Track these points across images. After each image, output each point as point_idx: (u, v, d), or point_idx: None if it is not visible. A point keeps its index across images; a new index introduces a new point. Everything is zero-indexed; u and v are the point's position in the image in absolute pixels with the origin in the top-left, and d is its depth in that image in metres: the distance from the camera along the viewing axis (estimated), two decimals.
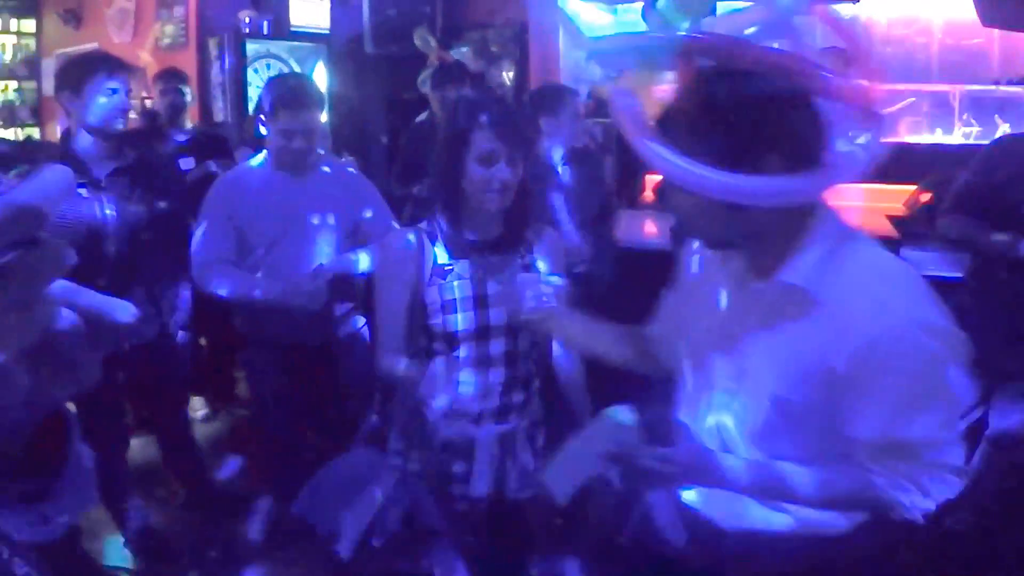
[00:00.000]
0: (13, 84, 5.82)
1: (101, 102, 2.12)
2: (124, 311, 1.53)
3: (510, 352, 1.52)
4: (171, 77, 3.52)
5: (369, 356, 2.27)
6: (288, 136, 2.11)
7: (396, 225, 2.32)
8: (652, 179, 4.14)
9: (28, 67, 5.85)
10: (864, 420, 1.00)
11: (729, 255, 1.12)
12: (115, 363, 2.23)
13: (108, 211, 2.15)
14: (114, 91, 2.13)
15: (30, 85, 5.86)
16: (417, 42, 3.88)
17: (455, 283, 1.48)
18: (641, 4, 4.45)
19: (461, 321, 1.47)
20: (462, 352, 1.49)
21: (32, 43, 5.85)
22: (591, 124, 3.65)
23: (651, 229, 3.67)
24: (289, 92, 2.13)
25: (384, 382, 1.59)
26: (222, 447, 3.16)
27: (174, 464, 2.63)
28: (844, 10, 4.54)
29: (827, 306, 0.99)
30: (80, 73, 2.14)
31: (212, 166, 3.15)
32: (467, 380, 1.51)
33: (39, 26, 5.81)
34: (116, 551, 2.42)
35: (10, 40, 5.81)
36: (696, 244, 1.23)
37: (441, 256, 1.49)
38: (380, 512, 1.47)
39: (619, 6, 5.25)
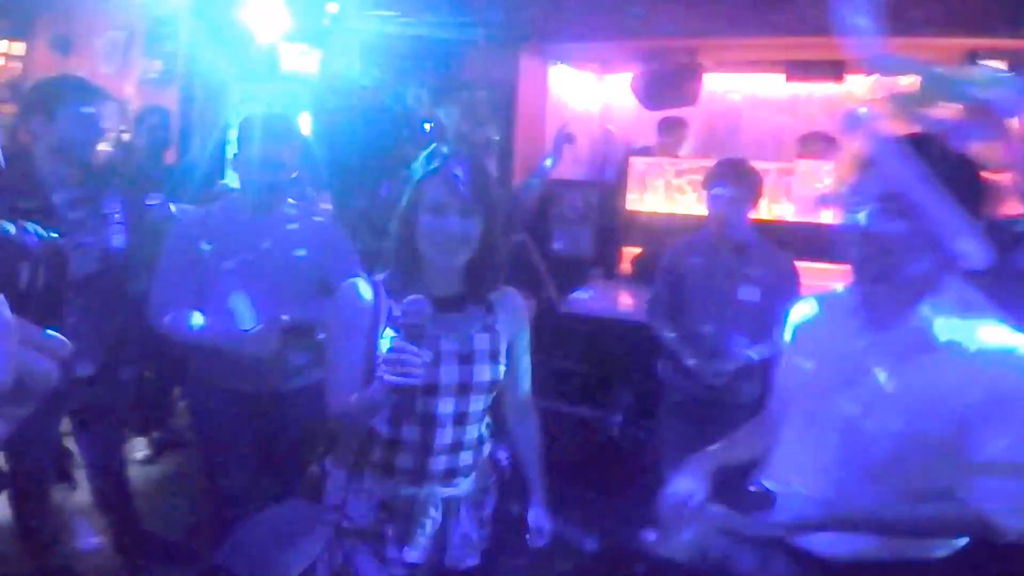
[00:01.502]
0: None
1: (73, 127, 2.06)
2: (57, 348, 1.43)
3: (460, 413, 1.48)
4: (153, 113, 3.50)
5: (322, 410, 2.23)
6: (254, 167, 2.08)
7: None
8: (629, 252, 4.13)
9: (11, 91, 5.79)
10: (991, 446, 1.16)
11: (868, 300, 1.29)
12: (54, 397, 2.13)
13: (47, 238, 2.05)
14: (88, 117, 2.07)
15: (12, 109, 5.79)
16: (409, 99, 3.89)
17: (407, 337, 1.42)
18: (630, 75, 4.52)
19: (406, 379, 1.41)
20: (409, 408, 1.41)
21: (19, 66, 5.81)
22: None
23: (626, 301, 3.65)
24: (257, 123, 2.11)
25: (329, 432, 1.55)
26: (161, 490, 3.08)
27: (105, 505, 2.50)
28: (826, 89, 4.65)
29: (958, 346, 1.19)
30: (54, 96, 2.10)
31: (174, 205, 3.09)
32: (412, 438, 1.46)
33: (28, 50, 5.78)
34: None
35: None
36: (802, 310, 1.46)
37: (396, 309, 1.45)
38: (309, 568, 1.41)
39: (607, 76, 5.36)
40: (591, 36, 4.29)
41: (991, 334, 1.20)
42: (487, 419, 1.57)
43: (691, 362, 2.59)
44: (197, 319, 2.08)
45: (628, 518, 2.78)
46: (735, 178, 2.56)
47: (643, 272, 3.72)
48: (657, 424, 2.81)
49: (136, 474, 3.05)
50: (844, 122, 1.33)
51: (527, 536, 1.64)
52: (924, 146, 1.21)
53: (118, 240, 2.20)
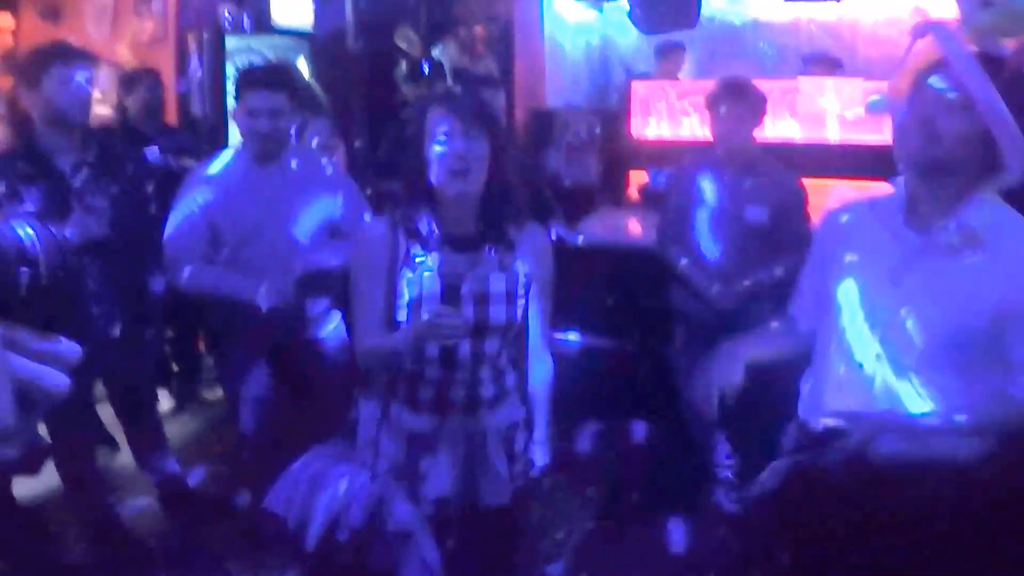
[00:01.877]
0: None
1: (60, 93, 2.06)
2: (66, 356, 1.49)
3: (477, 353, 1.49)
4: (142, 76, 3.47)
5: (344, 355, 2.28)
6: (253, 116, 2.09)
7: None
8: (636, 177, 4.13)
9: (4, 63, 5.73)
10: None
11: (915, 197, 1.33)
12: (83, 364, 2.20)
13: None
14: (74, 81, 2.08)
15: (7, 82, 5.74)
16: (399, 41, 3.84)
17: (424, 276, 1.44)
18: (626, 5, 4.44)
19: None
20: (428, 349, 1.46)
21: (10, 39, 5.73)
22: None
23: (635, 228, 3.67)
24: (255, 72, 2.13)
25: (357, 371, 1.57)
26: (191, 443, 3.14)
27: (146, 463, 2.60)
28: (826, 10, 4.55)
29: (999, 246, 1.26)
30: (38, 63, 2.10)
31: (179, 161, 3.12)
32: (433, 375, 1.49)
33: (17, 21, 5.69)
34: None
35: None
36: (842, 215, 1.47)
37: (414, 248, 1.47)
38: (344, 506, 1.44)
39: (605, 4, 5.23)
40: None
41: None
42: (511, 353, 1.56)
43: (701, 286, 2.61)
44: (212, 273, 2.11)
45: (650, 447, 2.88)
46: (738, 96, 2.54)
47: (651, 198, 3.73)
48: (674, 350, 2.84)
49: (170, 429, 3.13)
50: (916, 29, 1.42)
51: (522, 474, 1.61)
52: (992, 62, 1.32)
53: (125, 200, 2.22)
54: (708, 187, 2.65)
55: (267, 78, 2.13)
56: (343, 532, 1.43)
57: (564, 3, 4.96)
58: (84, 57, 2.17)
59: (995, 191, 1.31)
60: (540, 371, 1.63)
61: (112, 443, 2.94)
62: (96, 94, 2.39)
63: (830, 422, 1.32)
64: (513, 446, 1.57)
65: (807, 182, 2.70)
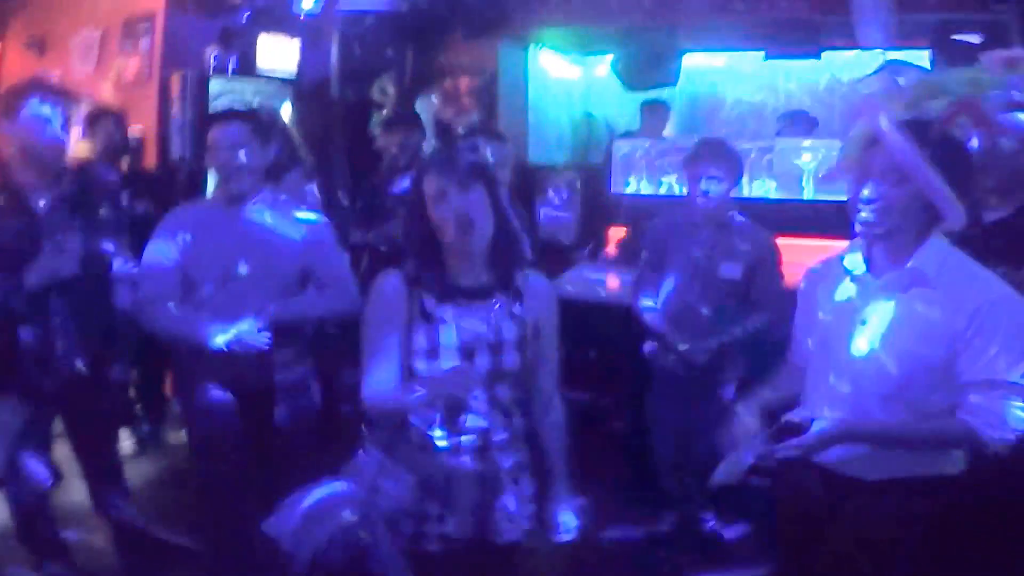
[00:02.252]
0: None
1: (35, 130, 2.05)
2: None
3: (491, 398, 1.53)
4: (103, 117, 3.44)
5: (309, 404, 2.27)
6: (211, 151, 2.09)
7: (347, 268, 2.31)
8: (615, 233, 4.15)
9: None
10: (974, 368, 1.42)
11: (870, 253, 1.56)
12: (45, 400, 2.17)
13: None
14: (49, 119, 2.06)
15: None
16: (375, 94, 3.89)
17: (440, 328, 1.50)
18: (610, 58, 4.54)
19: (444, 367, 1.49)
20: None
21: None
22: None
23: (613, 284, 3.66)
24: (217, 111, 2.14)
25: (363, 415, 1.59)
26: (151, 486, 3.07)
27: (103, 503, 2.49)
28: (807, 66, 4.66)
29: (946, 283, 1.46)
30: (13, 98, 2.08)
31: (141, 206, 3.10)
32: (441, 421, 1.52)
33: (3, 51, 5.70)
34: None
35: None
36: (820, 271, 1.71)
37: (427, 300, 1.51)
38: (328, 547, 1.45)
39: (589, 60, 5.36)
40: (570, 20, 4.28)
41: (971, 271, 1.49)
42: (519, 398, 1.60)
43: (674, 341, 2.61)
44: (180, 316, 2.09)
45: (630, 501, 2.86)
46: (716, 158, 2.58)
47: (628, 254, 3.73)
48: (646, 403, 2.83)
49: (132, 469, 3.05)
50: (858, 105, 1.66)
51: (553, 531, 1.63)
52: (921, 129, 1.49)
53: (96, 240, 2.19)
54: (683, 243, 2.66)
55: (225, 113, 2.18)
56: (326, 567, 1.45)
57: (548, 59, 5.06)
58: (61, 94, 2.15)
59: (941, 235, 1.51)
60: (553, 418, 1.67)
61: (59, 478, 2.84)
62: (73, 133, 2.37)
63: (795, 418, 1.51)
64: (523, 488, 1.61)
65: (783, 240, 2.72)
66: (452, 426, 1.52)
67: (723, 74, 5.25)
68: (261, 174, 2.20)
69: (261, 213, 2.18)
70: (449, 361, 1.49)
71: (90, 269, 2.14)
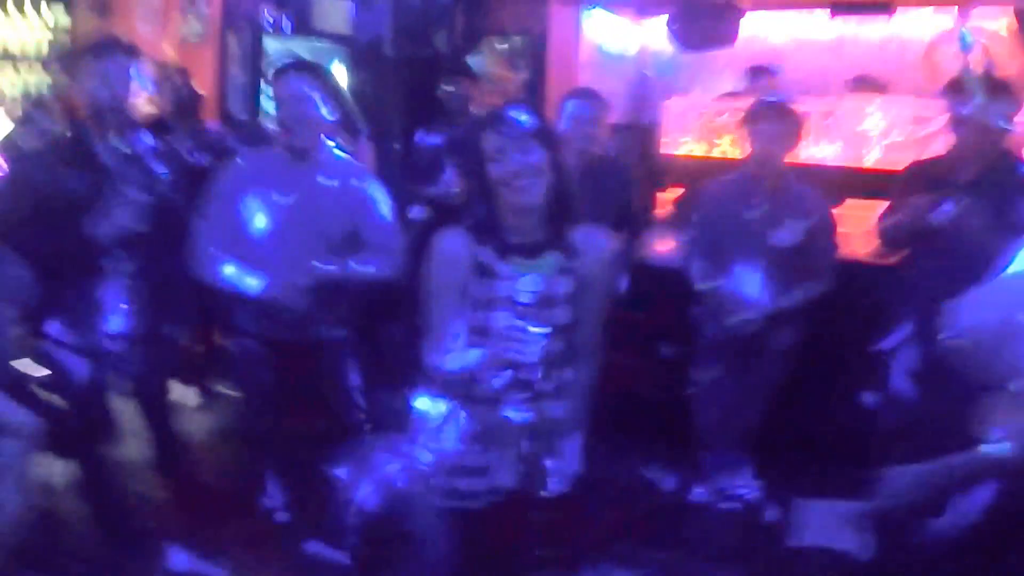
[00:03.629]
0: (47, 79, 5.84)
1: (103, 85, 2.11)
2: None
3: (542, 352, 1.55)
4: (169, 75, 3.51)
5: (344, 367, 2.30)
6: (281, 104, 2.11)
7: (398, 233, 2.31)
8: (664, 196, 4.08)
9: (59, 59, 5.87)
10: None
11: None
12: (102, 363, 2.25)
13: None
14: (116, 74, 2.12)
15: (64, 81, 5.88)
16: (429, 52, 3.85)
17: (496, 283, 1.53)
18: (665, 17, 4.41)
19: (498, 320, 1.53)
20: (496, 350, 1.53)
21: (67, 38, 5.87)
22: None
23: (664, 246, 3.62)
24: (283, 64, 2.18)
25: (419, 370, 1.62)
26: (218, 435, 3.15)
27: (160, 459, 2.62)
28: (876, 27, 4.43)
29: None
30: (83, 56, 2.16)
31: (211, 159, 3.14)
32: (495, 375, 1.54)
33: (72, 16, 5.84)
34: None
35: (46, 34, 5.83)
36: None
37: (484, 255, 1.54)
38: (384, 497, 1.53)
39: (644, 20, 5.21)
40: None
41: None
42: (570, 352, 1.61)
43: (724, 307, 2.57)
44: (234, 267, 2.13)
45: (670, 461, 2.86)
46: (776, 116, 2.51)
47: (682, 215, 3.67)
48: (693, 370, 2.81)
49: (193, 423, 3.16)
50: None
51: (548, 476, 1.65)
52: None
53: (162, 195, 2.24)
54: (737, 207, 2.61)
55: (293, 65, 2.19)
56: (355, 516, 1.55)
57: (601, 18, 4.94)
58: (127, 50, 2.21)
59: None
60: (581, 374, 1.67)
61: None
62: (141, 89, 2.43)
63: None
64: (573, 440, 1.64)
65: (851, 203, 2.65)
66: (534, 370, 1.55)
67: (786, 35, 5.02)
68: (324, 129, 2.21)
69: (319, 170, 2.20)
70: (504, 314, 1.52)
71: (155, 224, 2.20)
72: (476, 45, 4.35)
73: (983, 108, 2.07)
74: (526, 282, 1.53)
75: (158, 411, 2.59)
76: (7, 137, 3.21)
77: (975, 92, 2.04)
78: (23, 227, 2.12)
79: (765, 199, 2.57)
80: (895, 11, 3.96)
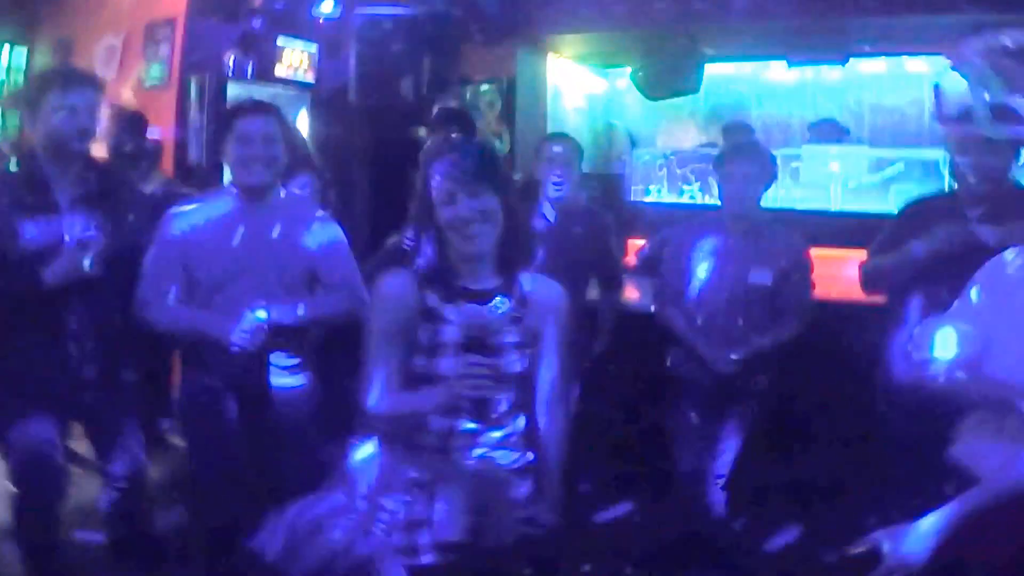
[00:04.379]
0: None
1: (60, 117, 2.02)
2: None
3: (488, 400, 1.51)
4: (124, 119, 3.43)
5: (304, 414, 2.19)
6: (245, 143, 2.04)
7: (355, 271, 2.23)
8: (633, 244, 4.07)
9: (15, 99, 5.75)
10: None
11: None
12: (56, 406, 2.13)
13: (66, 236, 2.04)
14: (74, 106, 2.03)
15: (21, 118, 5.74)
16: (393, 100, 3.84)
17: (442, 327, 1.49)
18: (629, 71, 4.47)
19: (444, 366, 1.48)
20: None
21: (21, 77, 5.77)
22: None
23: (632, 294, 3.58)
24: (246, 102, 2.14)
25: (357, 421, 1.56)
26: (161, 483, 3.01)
27: (118, 507, 2.41)
28: (831, 74, 4.56)
29: None
30: (40, 86, 2.07)
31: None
32: (441, 425, 1.49)
33: (30, 56, 5.75)
34: None
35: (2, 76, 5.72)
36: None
37: (431, 299, 1.50)
38: (332, 559, 1.43)
39: (611, 71, 5.31)
40: (589, 26, 4.22)
41: None
42: (520, 401, 1.57)
43: (700, 350, 2.52)
44: (184, 313, 2.06)
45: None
46: (750, 156, 2.52)
47: (646, 264, 3.66)
48: (670, 414, 2.74)
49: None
50: None
51: (526, 523, 1.59)
52: None
53: (117, 238, 2.14)
54: (711, 249, 2.58)
55: (258, 106, 2.13)
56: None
57: (568, 67, 5.01)
58: (87, 82, 2.14)
59: None
60: (552, 424, 1.62)
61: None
62: (98, 126, 2.34)
63: None
64: (519, 489, 1.57)
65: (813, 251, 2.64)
66: (482, 419, 1.50)
67: (748, 82, 5.16)
68: (280, 169, 2.16)
69: (275, 211, 2.14)
70: (448, 360, 1.47)
71: (110, 268, 2.09)
72: (443, 92, 4.35)
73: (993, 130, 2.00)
74: (473, 328, 1.49)
75: (130, 457, 2.41)
76: None
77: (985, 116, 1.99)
78: None
79: (740, 240, 2.54)
80: (849, 60, 4.08)
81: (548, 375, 1.60)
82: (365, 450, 1.55)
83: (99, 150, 3.43)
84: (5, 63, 5.68)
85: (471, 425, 1.51)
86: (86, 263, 2.03)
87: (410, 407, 1.49)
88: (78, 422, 2.35)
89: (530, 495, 1.58)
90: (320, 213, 2.30)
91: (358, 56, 4.23)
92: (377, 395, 1.50)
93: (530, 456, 1.59)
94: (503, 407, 1.53)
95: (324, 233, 2.18)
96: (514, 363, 1.52)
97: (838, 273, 2.90)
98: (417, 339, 1.49)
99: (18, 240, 2.02)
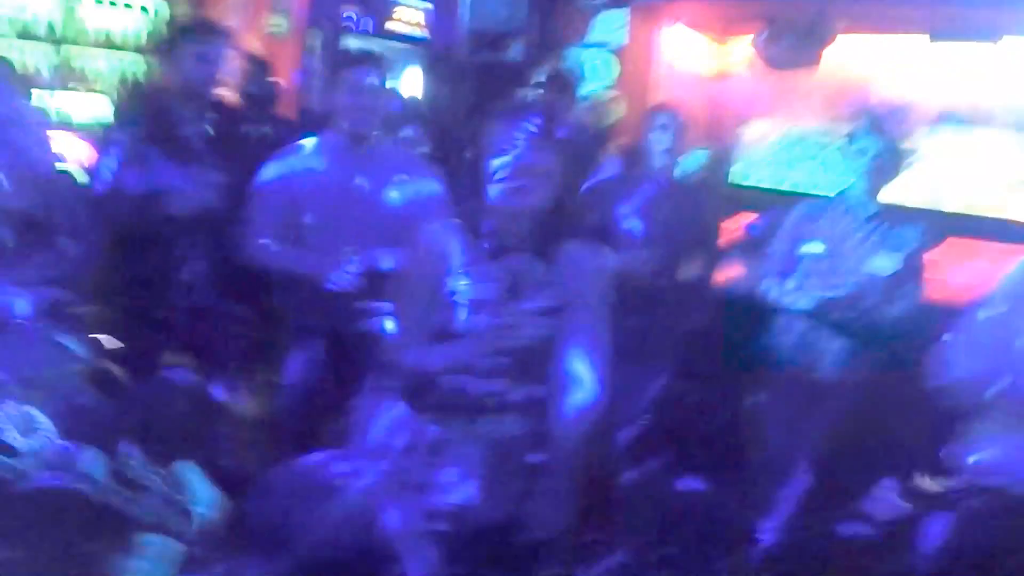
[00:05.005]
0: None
1: (188, 65, 2.17)
2: None
3: (512, 363, 1.46)
4: (250, 65, 3.58)
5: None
6: (356, 93, 2.10)
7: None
8: (730, 224, 3.93)
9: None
10: None
11: None
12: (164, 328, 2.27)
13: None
14: (204, 54, 2.18)
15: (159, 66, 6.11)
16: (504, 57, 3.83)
17: (474, 284, 1.47)
18: (752, 38, 4.27)
19: (472, 323, 1.45)
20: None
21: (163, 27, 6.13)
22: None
23: (733, 272, 3.48)
24: (358, 52, 2.24)
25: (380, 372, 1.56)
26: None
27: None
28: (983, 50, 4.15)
29: None
30: (175, 35, 2.24)
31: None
32: (459, 384, 1.47)
33: (171, 6, 6.10)
34: None
35: (145, 23, 6.10)
36: None
37: (472, 255, 1.48)
38: (343, 521, 1.40)
39: (728, 37, 5.08)
40: None
41: None
42: (545, 367, 1.51)
43: (808, 338, 2.42)
44: (285, 252, 2.13)
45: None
46: (879, 142, 2.38)
47: (752, 241, 3.54)
48: (761, 399, 2.66)
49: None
50: None
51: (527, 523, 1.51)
52: None
53: (235, 176, 2.26)
54: (826, 233, 2.45)
55: (367, 57, 2.20)
56: (342, 536, 1.40)
57: (682, 34, 4.84)
58: (216, 32, 2.28)
59: None
60: (572, 401, 1.51)
61: None
62: (225, 72, 2.47)
63: None
64: (535, 457, 1.52)
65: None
66: (504, 380, 1.46)
67: (880, 58, 4.79)
68: (384, 119, 2.25)
69: (378, 159, 2.19)
70: (478, 318, 1.45)
71: (225, 203, 2.22)
72: (552, 54, 4.32)
73: None
74: (504, 287, 1.45)
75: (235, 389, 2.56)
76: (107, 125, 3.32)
77: None
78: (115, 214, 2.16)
79: (858, 225, 2.41)
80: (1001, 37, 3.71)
81: (572, 346, 1.50)
82: (385, 409, 1.53)
83: (227, 93, 3.66)
84: (152, 14, 6.07)
85: (492, 387, 1.47)
86: (204, 196, 2.17)
87: (435, 362, 1.47)
88: (191, 350, 2.44)
89: (546, 463, 1.51)
90: (421, 165, 2.34)
91: (471, 15, 4.26)
92: (404, 346, 1.50)
93: (548, 424, 1.52)
94: (525, 372, 1.48)
95: (423, 185, 2.22)
96: (541, 328, 1.47)
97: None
98: (448, 293, 1.46)
99: (150, 172, 2.18)
